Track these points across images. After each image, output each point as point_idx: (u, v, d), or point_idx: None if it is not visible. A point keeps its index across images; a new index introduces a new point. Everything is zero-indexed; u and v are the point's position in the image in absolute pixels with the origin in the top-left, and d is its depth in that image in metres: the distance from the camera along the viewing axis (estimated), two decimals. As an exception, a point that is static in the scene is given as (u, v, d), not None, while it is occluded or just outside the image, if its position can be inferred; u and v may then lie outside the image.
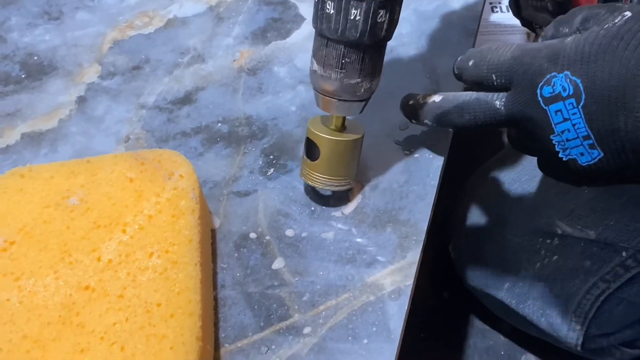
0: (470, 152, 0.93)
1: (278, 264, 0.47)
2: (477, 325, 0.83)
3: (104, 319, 0.39)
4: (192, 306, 0.39)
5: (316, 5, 0.41)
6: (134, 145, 0.55)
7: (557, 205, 0.64)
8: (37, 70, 0.61)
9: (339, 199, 0.51)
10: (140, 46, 0.63)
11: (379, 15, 0.40)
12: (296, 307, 0.45)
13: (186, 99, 0.59)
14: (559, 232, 0.63)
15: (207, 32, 0.64)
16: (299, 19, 0.65)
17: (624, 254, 0.60)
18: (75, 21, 0.66)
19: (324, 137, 0.47)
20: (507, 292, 0.69)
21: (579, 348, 0.66)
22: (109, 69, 0.61)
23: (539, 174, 0.67)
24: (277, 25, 0.65)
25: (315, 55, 0.44)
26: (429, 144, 0.54)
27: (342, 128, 0.48)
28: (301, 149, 0.54)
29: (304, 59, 0.61)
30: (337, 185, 0.48)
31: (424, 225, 0.49)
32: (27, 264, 0.41)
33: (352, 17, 0.40)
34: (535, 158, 0.44)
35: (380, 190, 0.51)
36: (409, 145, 0.54)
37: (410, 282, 0.46)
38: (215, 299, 0.46)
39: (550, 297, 0.65)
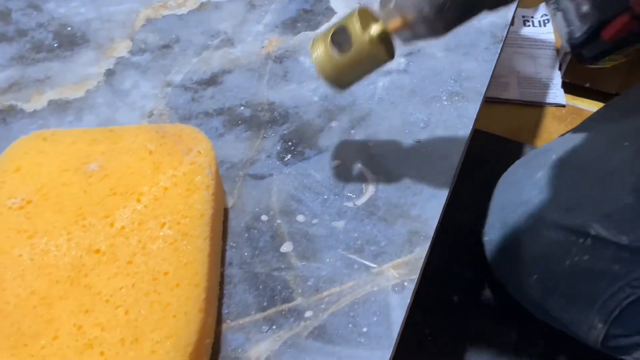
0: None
1: (286, 247, 0.48)
2: (485, 328, 0.83)
3: (111, 283, 0.40)
4: (198, 278, 0.40)
5: None
6: (156, 121, 0.56)
7: (595, 206, 0.64)
8: (69, 41, 0.63)
9: (353, 189, 0.51)
10: (172, 26, 0.64)
11: None
12: (300, 290, 0.45)
13: (212, 81, 0.59)
14: (593, 233, 0.63)
15: (239, 17, 0.65)
16: (329, 12, 0.66)
17: None
18: (111, -4, 0.67)
19: (360, 37, 0.43)
20: (535, 285, 0.69)
21: (598, 345, 0.67)
22: (139, 45, 0.62)
23: (580, 172, 0.67)
24: (308, 16, 0.65)
25: None
26: (447, 144, 0.54)
27: (381, 37, 0.43)
28: (320, 139, 0.55)
29: (331, 52, 0.62)
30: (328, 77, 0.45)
31: (434, 223, 0.49)
32: (41, 223, 0.42)
33: None
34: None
35: (394, 185, 0.51)
36: (427, 144, 0.54)
37: (415, 276, 0.46)
38: (222, 275, 0.46)
39: (576, 294, 0.66)
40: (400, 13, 0.41)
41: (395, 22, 0.42)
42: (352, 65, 0.44)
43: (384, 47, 0.43)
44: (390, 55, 0.45)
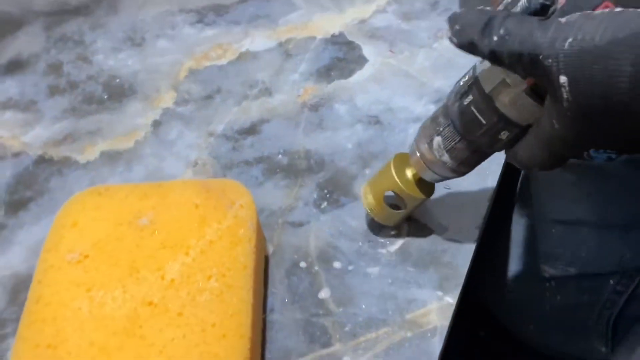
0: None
1: (324, 293, 0.51)
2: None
3: (164, 334, 0.43)
4: (243, 329, 0.43)
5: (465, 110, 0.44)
6: (200, 170, 0.59)
7: (536, 250, 0.65)
8: (118, 93, 0.67)
9: (386, 236, 0.54)
10: (214, 76, 0.68)
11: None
12: (338, 336, 0.48)
13: (251, 130, 0.63)
14: (547, 275, 0.65)
15: (276, 66, 0.69)
16: (362, 60, 0.69)
17: (611, 281, 0.62)
18: (156, 48, 0.71)
19: (397, 183, 0.50)
20: (532, 331, 0.71)
21: None
22: (183, 96, 0.66)
23: (521, 221, 0.68)
24: (341, 64, 0.69)
25: (432, 134, 0.47)
26: (476, 190, 0.57)
27: (417, 179, 0.51)
28: (355, 186, 0.57)
29: (364, 99, 0.65)
30: (379, 219, 0.53)
31: (464, 269, 0.51)
32: (98, 276, 0.46)
33: (499, 137, 0.43)
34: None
35: (426, 232, 0.54)
36: (457, 191, 0.57)
37: (447, 322, 0.49)
38: (264, 321, 0.49)
39: (570, 329, 0.67)
40: (426, 164, 0.48)
41: (423, 172, 0.49)
42: (404, 216, 0.52)
43: (421, 189, 0.51)
44: (428, 194, 0.51)
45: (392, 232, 0.54)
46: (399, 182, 0.50)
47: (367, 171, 0.59)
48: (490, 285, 0.74)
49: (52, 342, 0.42)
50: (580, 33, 0.32)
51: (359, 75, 0.68)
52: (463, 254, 0.52)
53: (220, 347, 0.42)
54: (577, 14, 0.33)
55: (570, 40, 0.32)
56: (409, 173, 0.50)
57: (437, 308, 0.49)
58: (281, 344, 0.48)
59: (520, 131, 0.41)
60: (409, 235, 0.54)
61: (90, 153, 0.61)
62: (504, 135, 0.42)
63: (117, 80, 0.68)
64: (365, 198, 0.52)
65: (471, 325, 0.84)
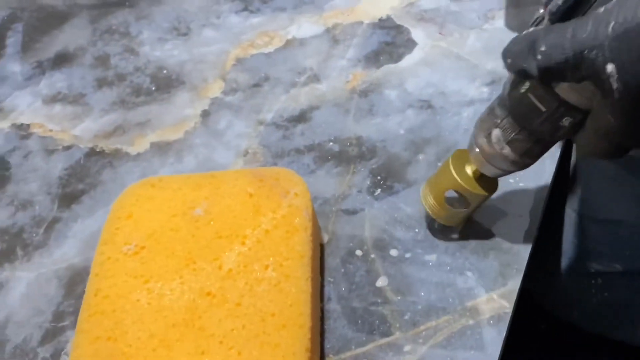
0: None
1: (382, 281, 0.50)
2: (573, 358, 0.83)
3: (223, 325, 0.42)
4: (302, 318, 0.43)
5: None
6: (251, 160, 0.59)
7: (583, 247, 0.64)
8: (166, 84, 0.67)
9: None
10: (261, 64, 0.67)
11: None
12: (398, 325, 0.47)
13: (301, 117, 0.62)
14: (592, 271, 0.63)
15: (323, 53, 0.68)
16: (410, 44, 0.68)
17: None
18: (202, 38, 0.71)
19: (458, 180, 0.48)
20: (578, 319, 0.70)
21: None
22: (231, 85, 0.66)
23: (571, 214, 0.67)
24: (390, 49, 0.67)
25: (490, 126, 0.45)
26: (535, 175, 0.55)
27: (478, 175, 0.49)
28: (408, 172, 0.56)
29: (415, 83, 0.64)
30: (442, 220, 0.51)
31: (525, 254, 0.50)
32: (155, 268, 0.45)
33: (561, 124, 0.41)
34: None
35: (484, 217, 0.53)
36: (516, 175, 0.55)
37: (509, 309, 0.47)
38: (322, 310, 0.49)
39: (615, 320, 0.66)
40: (486, 159, 0.46)
41: (484, 168, 0.47)
42: (468, 214, 0.51)
43: (482, 185, 0.48)
44: (491, 190, 0.49)
45: (454, 235, 0.52)
46: (459, 180, 0.48)
47: (421, 157, 0.58)
48: (539, 277, 0.73)
49: (112, 335, 0.42)
50: (621, 15, 0.31)
51: (409, 60, 0.66)
52: (524, 239, 0.51)
53: (280, 337, 0.42)
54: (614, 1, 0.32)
55: (612, 24, 0.31)
56: (469, 170, 0.48)
57: (498, 295, 0.48)
58: (340, 333, 0.47)
59: (583, 116, 0.39)
60: (467, 221, 0.52)
61: (141, 144, 0.61)
62: (566, 121, 0.40)
63: (165, 71, 0.68)
64: (426, 200, 0.51)
65: (528, 316, 0.82)
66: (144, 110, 0.64)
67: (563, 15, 0.35)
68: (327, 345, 0.47)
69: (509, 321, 0.47)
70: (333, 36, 0.69)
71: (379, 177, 0.57)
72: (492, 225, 0.52)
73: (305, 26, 0.71)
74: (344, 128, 0.61)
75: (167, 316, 0.43)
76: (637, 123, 0.34)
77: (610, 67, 0.31)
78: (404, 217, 0.54)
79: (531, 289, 0.73)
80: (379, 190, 0.56)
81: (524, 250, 0.50)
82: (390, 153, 0.58)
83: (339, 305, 0.49)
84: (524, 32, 0.36)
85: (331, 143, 0.60)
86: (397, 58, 0.67)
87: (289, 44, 0.69)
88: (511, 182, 0.55)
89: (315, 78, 0.65)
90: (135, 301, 0.44)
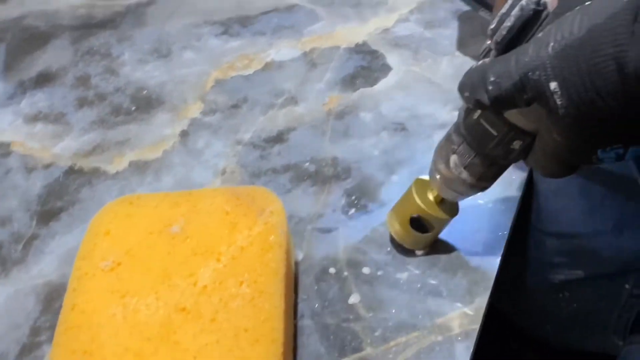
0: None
1: (354, 298, 0.51)
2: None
3: (198, 340, 0.43)
4: (275, 334, 0.44)
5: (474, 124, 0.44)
6: (229, 179, 0.60)
7: (544, 260, 0.66)
8: (145, 104, 0.68)
9: (415, 242, 0.54)
10: (240, 86, 0.69)
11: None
12: (369, 340, 0.48)
13: (278, 138, 0.63)
14: (557, 282, 0.65)
15: (301, 76, 0.69)
16: (386, 69, 0.69)
17: (627, 286, 0.62)
18: (182, 60, 0.72)
19: (420, 205, 0.50)
20: (550, 332, 0.71)
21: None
22: (210, 106, 0.67)
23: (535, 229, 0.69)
24: (365, 73, 0.69)
25: (448, 152, 0.47)
26: (503, 196, 0.57)
27: (440, 200, 0.51)
28: (382, 192, 0.58)
29: (389, 106, 0.65)
30: (407, 244, 0.53)
31: (492, 274, 0.51)
32: (131, 283, 0.46)
33: (512, 147, 0.42)
34: None
35: (454, 237, 0.54)
36: (485, 194, 0.57)
37: (477, 325, 0.49)
38: (295, 327, 0.50)
39: (587, 330, 0.67)
40: (446, 184, 0.48)
41: (445, 192, 0.49)
42: (432, 238, 0.53)
43: (444, 209, 0.51)
44: (452, 214, 0.51)
45: (420, 253, 0.54)
46: (422, 206, 0.50)
47: (394, 177, 0.59)
48: (509, 295, 0.74)
49: (88, 349, 0.43)
50: (559, 34, 0.32)
51: (384, 84, 0.68)
52: (491, 259, 0.52)
53: (253, 352, 0.43)
54: (553, 23, 0.33)
55: (552, 44, 0.32)
56: (431, 195, 0.51)
57: (466, 312, 0.49)
58: (312, 349, 0.48)
59: (532, 139, 0.41)
60: (437, 241, 0.54)
61: (119, 163, 0.62)
62: (516, 144, 0.42)
63: (145, 92, 0.69)
64: (392, 225, 0.53)
65: (500, 335, 0.83)
66: (123, 129, 0.65)
67: (508, 45, 0.37)
68: (299, 361, 0.48)
69: (477, 337, 0.48)
70: (311, 60, 0.71)
71: (353, 197, 0.58)
72: (461, 243, 0.54)
73: (284, 50, 0.72)
74: (320, 149, 0.62)
75: (143, 331, 0.44)
76: (582, 139, 0.35)
77: (553, 85, 0.32)
78: (377, 236, 0.55)
79: (503, 307, 0.75)
80: (353, 209, 0.57)
81: (492, 268, 0.52)
82: (364, 174, 0.60)
83: (312, 321, 0.50)
84: (474, 65, 0.38)
85: (307, 163, 0.61)
86: (373, 82, 0.68)
87: (267, 66, 0.71)
88: (480, 203, 0.56)
89: (293, 100, 0.67)
90: (111, 316, 0.45)
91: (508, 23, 0.37)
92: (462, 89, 0.38)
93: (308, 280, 0.53)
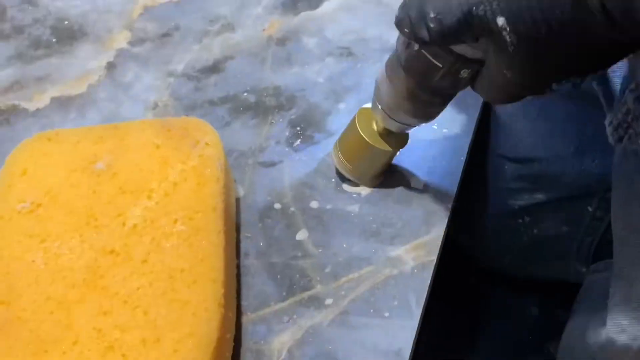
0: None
1: (302, 235, 0.47)
2: (503, 309, 0.83)
3: (128, 283, 0.39)
4: (215, 273, 0.40)
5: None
6: (161, 113, 0.55)
7: (504, 186, 0.64)
8: (67, 35, 0.62)
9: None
10: (170, 13, 0.63)
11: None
12: (318, 278, 0.45)
13: (214, 68, 0.58)
14: (517, 208, 0.63)
15: (237, 0, 0.64)
16: (330, -11, 0.65)
17: (589, 208, 0.60)
18: (107, -14, 0.66)
19: (363, 137, 0.47)
20: (510, 263, 0.69)
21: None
22: (138, 35, 0.61)
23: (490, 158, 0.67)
24: (308, -6, 0.64)
25: (390, 83, 0.43)
26: (458, 120, 0.53)
27: (385, 131, 0.47)
28: (329, 122, 0.54)
29: (334, 30, 0.61)
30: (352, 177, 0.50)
31: (449, 201, 0.49)
32: (52, 226, 0.42)
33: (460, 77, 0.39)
34: None
35: (408, 165, 0.51)
36: (437, 121, 0.53)
37: (434, 257, 0.46)
38: (238, 267, 0.46)
39: (549, 258, 0.66)
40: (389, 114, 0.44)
41: (388, 123, 0.45)
42: (380, 171, 0.49)
43: (389, 141, 0.47)
44: (399, 146, 0.48)
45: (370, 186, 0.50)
46: (365, 137, 0.47)
47: (341, 106, 0.55)
48: (467, 227, 0.72)
49: (6, 299, 0.39)
50: None
51: (328, 6, 0.63)
52: (448, 186, 0.49)
53: (191, 294, 0.39)
54: None
55: None
56: (375, 126, 0.47)
57: (423, 243, 0.46)
58: (258, 289, 0.45)
59: (481, 65, 0.37)
60: (390, 169, 0.50)
61: (40, 100, 0.57)
62: (464, 73, 0.38)
63: (66, 22, 0.63)
64: (337, 157, 0.49)
65: (457, 270, 0.82)
66: (43, 64, 0.59)
67: None
68: (244, 303, 0.44)
69: (434, 269, 0.45)
70: (248, -17, 0.66)
71: (298, 128, 0.54)
72: (415, 172, 0.50)
73: (218, -28, 0.67)
74: (261, 78, 0.58)
75: (66, 277, 0.40)
76: (534, 75, 0.33)
77: (501, 21, 0.30)
78: (325, 167, 0.51)
79: (460, 240, 0.73)
80: (298, 141, 0.53)
81: (448, 197, 0.49)
82: (309, 103, 0.56)
83: (257, 260, 0.46)
84: None
85: (247, 94, 0.56)
86: (316, 4, 0.63)
87: (200, -9, 0.65)
88: (435, 129, 0.53)
89: (229, 27, 0.62)
90: (30, 262, 0.40)
91: None
92: (399, 24, 0.35)
93: (252, 217, 0.49)
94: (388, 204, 0.49)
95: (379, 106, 0.44)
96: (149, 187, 0.43)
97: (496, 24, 0.30)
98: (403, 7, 0.34)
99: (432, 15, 0.32)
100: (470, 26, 0.31)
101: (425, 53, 0.38)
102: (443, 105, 0.43)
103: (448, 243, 0.49)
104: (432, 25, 0.32)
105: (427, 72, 0.39)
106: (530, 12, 0.29)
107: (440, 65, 0.38)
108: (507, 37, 0.30)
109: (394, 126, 0.45)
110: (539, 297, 0.80)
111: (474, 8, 0.30)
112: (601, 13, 0.27)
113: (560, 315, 0.74)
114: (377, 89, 0.44)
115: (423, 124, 0.45)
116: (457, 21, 0.31)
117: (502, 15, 0.29)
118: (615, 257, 0.50)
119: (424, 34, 0.33)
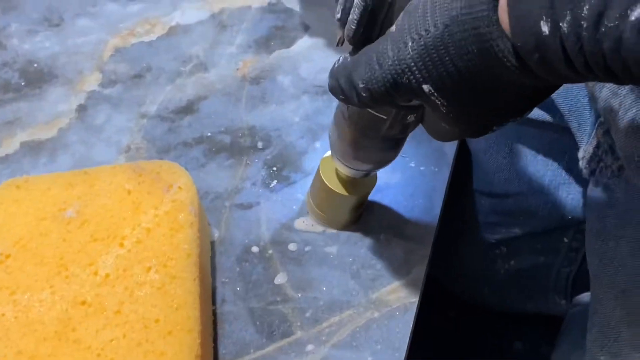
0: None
1: (281, 278, 0.46)
2: (487, 345, 0.82)
3: (101, 335, 0.38)
4: (191, 322, 0.38)
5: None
6: (134, 156, 0.54)
7: (482, 220, 0.64)
8: (36, 78, 0.60)
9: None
10: (142, 54, 0.62)
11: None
12: (299, 323, 0.44)
13: (188, 109, 0.57)
14: (494, 241, 0.64)
15: (210, 40, 0.63)
16: (302, 28, 0.64)
17: (565, 239, 0.61)
18: (76, 28, 0.65)
19: (327, 185, 0.46)
20: (489, 295, 0.69)
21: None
22: (110, 77, 0.60)
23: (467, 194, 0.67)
24: (281, 33, 0.64)
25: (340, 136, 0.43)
26: (435, 157, 0.53)
27: (347, 178, 0.46)
28: (305, 161, 0.53)
29: (308, 68, 0.60)
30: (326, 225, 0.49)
31: (429, 240, 0.48)
32: (22, 278, 0.40)
33: (407, 122, 0.39)
34: None
35: (385, 204, 0.50)
36: (415, 158, 0.53)
37: (415, 299, 0.45)
38: (215, 314, 0.45)
39: (527, 290, 0.66)
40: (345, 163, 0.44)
41: (347, 171, 0.45)
42: (335, 214, 0.48)
43: (354, 186, 0.46)
44: (365, 190, 0.47)
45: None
46: (328, 185, 0.46)
47: (318, 144, 0.54)
48: (446, 262, 0.72)
49: (-27, 355, 0.37)
50: (414, 31, 0.29)
51: (302, 44, 0.63)
52: (427, 224, 0.49)
53: (166, 345, 0.37)
54: (403, 14, 0.30)
55: (410, 43, 0.29)
56: (338, 173, 0.46)
57: (404, 284, 0.45)
58: (237, 336, 0.43)
59: (424, 108, 0.37)
60: (368, 209, 0.49)
61: (9, 145, 0.55)
62: (411, 118, 0.38)
63: (35, 65, 0.62)
64: (309, 206, 0.49)
65: (437, 304, 0.81)
66: (12, 107, 0.58)
67: (361, 39, 0.33)
68: (222, 351, 0.43)
69: (416, 310, 0.44)
70: (220, 22, 0.65)
71: (274, 168, 0.53)
72: (394, 211, 0.50)
73: (190, 12, 0.66)
74: (235, 118, 0.57)
75: (37, 330, 0.38)
76: (471, 128, 0.32)
77: (426, 88, 0.29)
78: (303, 208, 0.50)
79: (438, 274, 0.72)
80: (274, 181, 0.52)
81: (427, 236, 0.48)
82: (285, 142, 0.55)
83: (235, 306, 0.45)
84: (336, 62, 0.35)
85: (222, 134, 0.55)
86: (289, 43, 0.63)
87: (172, 31, 0.64)
88: (412, 166, 0.52)
89: (202, 66, 0.61)
90: (0, 315, 0.38)
91: (354, 16, 0.32)
92: (332, 92, 0.35)
93: (228, 261, 0.47)
94: (367, 243, 0.48)
95: (336, 157, 0.44)
96: (121, 234, 0.42)
97: (423, 91, 0.30)
98: (332, 73, 0.35)
99: (360, 85, 0.32)
100: (399, 92, 0.31)
101: (368, 109, 0.38)
102: (397, 148, 0.43)
103: (428, 278, 0.48)
104: (363, 94, 0.32)
105: (372, 125, 0.39)
106: (451, 81, 0.28)
107: (385, 117, 0.38)
108: (437, 101, 0.30)
109: (351, 173, 0.45)
110: (522, 332, 0.80)
111: (397, 77, 0.30)
112: (510, 60, 0.27)
113: (544, 351, 0.73)
114: (329, 137, 0.44)
115: (381, 169, 0.44)
116: (385, 90, 0.31)
117: (425, 83, 0.29)
118: (592, 292, 0.50)
119: (356, 101, 0.33)
